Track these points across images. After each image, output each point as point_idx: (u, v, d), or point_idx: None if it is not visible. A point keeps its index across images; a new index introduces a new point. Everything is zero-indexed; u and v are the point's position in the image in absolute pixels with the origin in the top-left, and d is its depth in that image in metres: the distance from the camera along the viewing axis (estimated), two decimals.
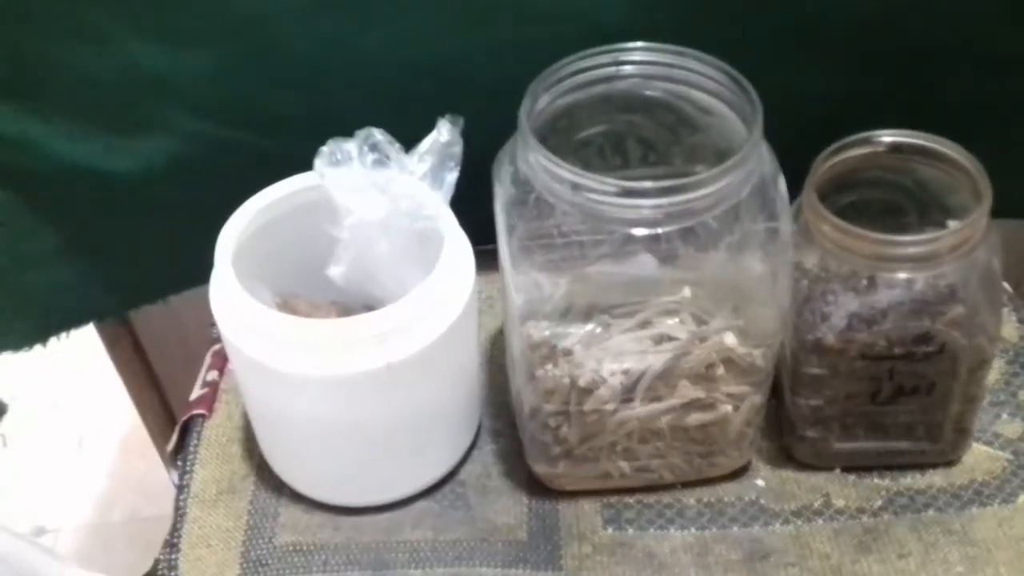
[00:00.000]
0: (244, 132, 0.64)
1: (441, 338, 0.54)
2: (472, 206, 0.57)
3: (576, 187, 0.49)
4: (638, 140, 0.60)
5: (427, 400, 0.57)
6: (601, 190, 0.49)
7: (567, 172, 0.49)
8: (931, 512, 0.59)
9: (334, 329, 0.53)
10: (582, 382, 0.55)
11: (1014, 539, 0.57)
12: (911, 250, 0.53)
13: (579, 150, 0.59)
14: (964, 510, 0.59)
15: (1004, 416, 0.63)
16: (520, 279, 0.53)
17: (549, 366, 0.55)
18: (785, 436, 0.62)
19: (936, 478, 0.60)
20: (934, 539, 0.57)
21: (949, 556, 0.57)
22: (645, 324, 0.57)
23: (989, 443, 0.62)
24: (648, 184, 0.49)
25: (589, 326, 0.56)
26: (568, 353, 0.55)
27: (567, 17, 0.61)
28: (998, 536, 0.57)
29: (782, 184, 0.53)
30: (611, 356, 0.55)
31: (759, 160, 0.51)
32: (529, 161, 0.52)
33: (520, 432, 0.61)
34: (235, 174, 0.59)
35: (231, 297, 0.54)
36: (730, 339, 0.56)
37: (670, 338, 0.56)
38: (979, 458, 0.61)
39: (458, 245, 0.57)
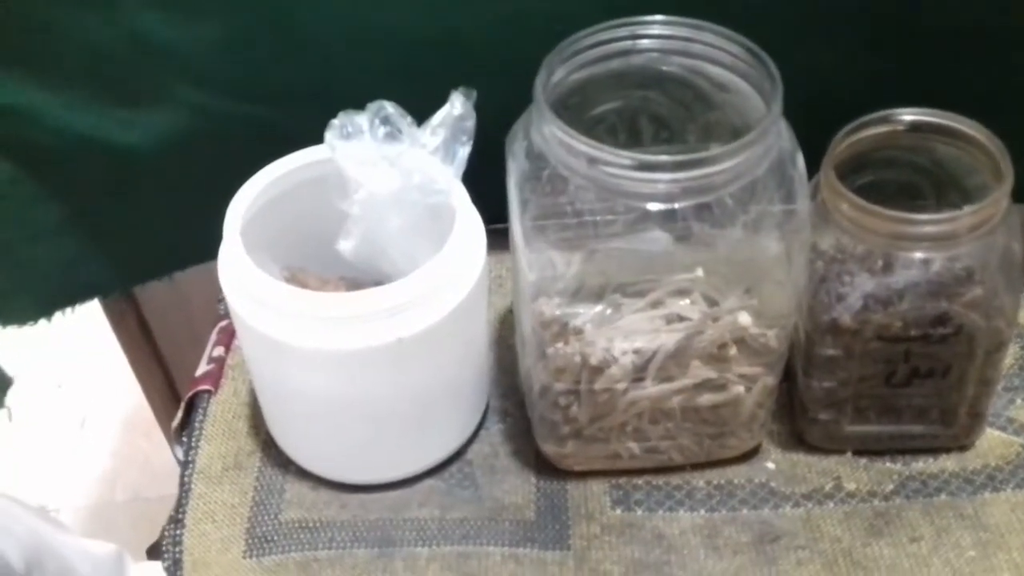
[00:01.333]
0: (252, 105, 0.63)
1: (451, 314, 0.53)
2: (484, 183, 0.56)
3: (592, 160, 0.49)
4: (652, 117, 0.59)
5: (436, 377, 0.56)
6: (617, 163, 0.48)
7: (583, 145, 0.49)
8: (943, 496, 0.58)
9: (344, 303, 0.52)
10: (593, 361, 0.54)
11: None
12: (929, 229, 0.52)
13: (592, 128, 0.58)
14: (977, 495, 0.58)
15: (1019, 401, 0.62)
16: (533, 256, 0.53)
17: (560, 344, 0.54)
18: (797, 418, 0.61)
19: (949, 462, 0.60)
20: (946, 523, 0.57)
21: (961, 540, 0.56)
22: (658, 303, 0.56)
23: (1003, 428, 0.61)
24: (664, 158, 0.48)
25: (601, 305, 0.55)
26: (579, 331, 0.54)
27: None
28: (1011, 521, 0.57)
29: (800, 162, 0.52)
30: (623, 335, 0.55)
31: (778, 136, 0.51)
32: (544, 134, 0.51)
33: (529, 411, 0.61)
34: (243, 148, 0.59)
35: (240, 270, 0.53)
36: (744, 319, 0.55)
37: (682, 318, 0.56)
38: (992, 443, 0.60)
39: (470, 220, 0.56)
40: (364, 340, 0.52)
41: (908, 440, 0.60)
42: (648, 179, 0.48)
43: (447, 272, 0.53)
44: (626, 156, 0.48)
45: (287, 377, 0.55)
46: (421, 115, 0.56)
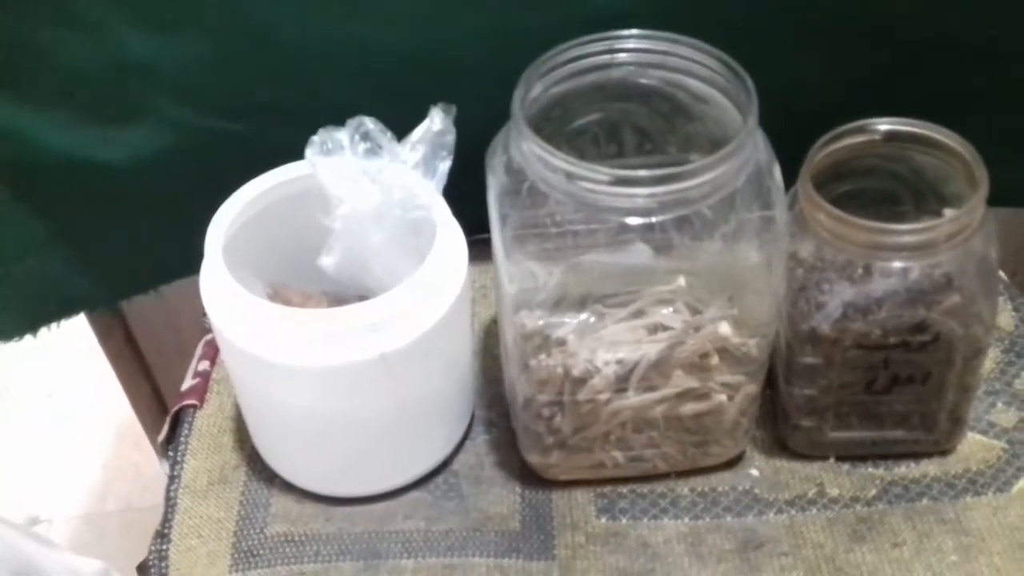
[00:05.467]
0: (234, 122, 0.64)
1: (435, 328, 0.54)
2: (465, 196, 0.56)
3: (570, 176, 0.49)
4: (633, 129, 0.60)
5: (421, 390, 0.56)
6: (594, 179, 0.48)
7: (560, 161, 0.49)
8: (925, 501, 0.59)
9: (326, 319, 0.53)
10: (576, 372, 0.54)
11: (1008, 528, 0.57)
12: (907, 239, 0.52)
13: (574, 139, 0.59)
14: (958, 499, 0.59)
15: (999, 405, 0.63)
16: (513, 268, 0.53)
17: (542, 356, 0.54)
18: (780, 425, 0.62)
19: (931, 467, 0.60)
20: (928, 528, 0.57)
21: (943, 545, 0.57)
22: (639, 313, 0.57)
23: (984, 432, 0.62)
24: (642, 173, 0.49)
25: (583, 315, 0.55)
26: (562, 343, 0.54)
27: (560, 3, 0.60)
28: (992, 525, 0.57)
29: (777, 173, 0.53)
30: (605, 346, 0.55)
31: (754, 148, 0.51)
32: (522, 150, 0.51)
33: (513, 422, 0.61)
34: (226, 163, 0.59)
35: (221, 287, 0.53)
36: (724, 328, 0.55)
37: (664, 327, 0.56)
38: (974, 447, 0.61)
39: (451, 234, 0.56)
40: (347, 356, 0.52)
41: (890, 445, 0.60)
42: (626, 194, 0.49)
43: (428, 286, 0.54)
44: (604, 172, 0.48)
45: (270, 393, 0.55)
46: (403, 130, 0.56)
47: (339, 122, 0.56)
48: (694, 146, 0.58)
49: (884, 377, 0.56)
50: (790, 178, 0.55)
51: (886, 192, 0.58)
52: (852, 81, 0.64)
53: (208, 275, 0.55)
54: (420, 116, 0.56)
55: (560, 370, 0.54)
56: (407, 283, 0.53)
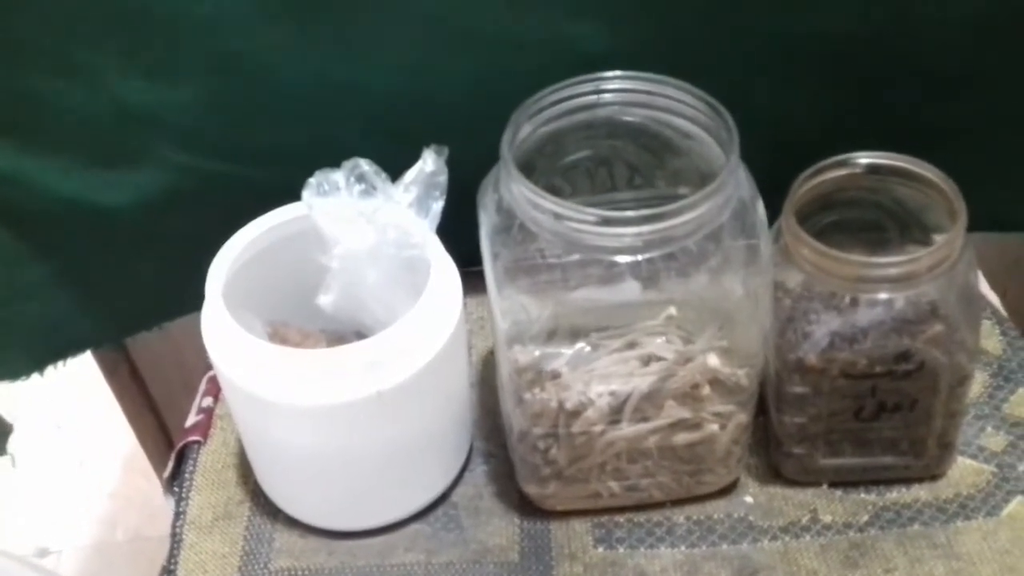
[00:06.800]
0: (233, 164, 0.65)
1: (430, 364, 0.55)
2: (460, 231, 0.58)
3: (557, 217, 0.50)
4: (623, 163, 0.61)
5: (419, 425, 0.58)
6: (581, 219, 0.50)
7: (548, 202, 0.50)
8: (916, 526, 0.60)
9: (324, 359, 0.54)
10: (569, 405, 0.56)
11: (998, 552, 0.58)
12: (891, 271, 0.53)
13: (567, 172, 0.60)
14: (949, 523, 0.60)
15: (988, 429, 0.64)
16: (506, 304, 0.54)
17: (536, 389, 0.56)
18: (772, 453, 0.63)
19: (922, 492, 0.61)
20: (919, 553, 0.58)
21: (934, 570, 0.57)
22: (631, 346, 0.58)
23: (974, 456, 0.63)
24: (628, 213, 0.50)
25: (575, 348, 0.56)
26: (555, 376, 0.56)
27: (548, 46, 0.62)
28: (982, 549, 0.58)
29: (760, 207, 0.54)
30: (598, 378, 0.56)
31: (737, 185, 0.52)
32: (512, 191, 0.52)
33: (511, 453, 0.62)
34: (226, 204, 0.60)
35: (222, 328, 0.54)
36: (713, 360, 0.57)
37: (656, 358, 0.57)
38: (964, 472, 0.62)
39: (445, 272, 0.57)
40: (345, 395, 0.53)
41: (881, 471, 0.61)
42: (613, 233, 0.50)
43: (424, 323, 0.55)
44: (591, 213, 0.50)
45: (271, 431, 0.56)
46: (397, 170, 0.58)
47: (335, 163, 0.57)
48: (682, 180, 0.59)
49: (872, 405, 0.57)
50: (775, 211, 0.56)
51: (871, 221, 0.60)
52: (834, 115, 0.65)
53: (209, 316, 0.56)
54: (414, 157, 0.57)
55: (554, 403, 0.56)
56: (403, 320, 0.54)
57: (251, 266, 0.59)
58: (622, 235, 0.50)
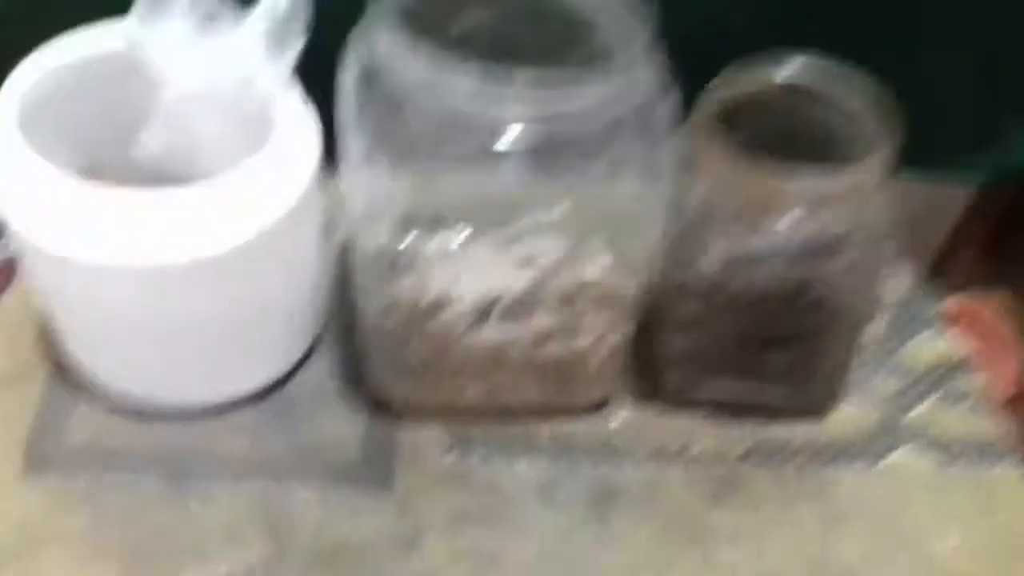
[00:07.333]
0: None
1: (278, 223, 0.47)
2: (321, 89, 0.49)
3: (431, 74, 0.42)
4: (528, 42, 0.53)
5: (254, 298, 0.50)
6: (459, 79, 0.42)
7: (423, 57, 0.42)
8: (791, 467, 0.56)
9: (143, 206, 0.45)
10: (426, 301, 0.49)
11: (871, 502, 0.54)
12: (802, 187, 0.47)
13: (455, 44, 0.52)
14: (825, 467, 0.56)
15: (880, 375, 0.60)
16: (362, 177, 0.47)
17: (390, 279, 0.49)
18: (649, 374, 0.57)
19: (801, 431, 0.57)
20: (791, 496, 0.54)
21: (804, 515, 0.54)
22: (509, 242, 0.51)
23: (860, 403, 0.58)
24: (515, 76, 0.42)
25: (440, 236, 0.49)
26: (411, 266, 0.49)
27: None
28: (855, 498, 0.54)
29: (670, 107, 0.47)
30: (465, 273, 0.50)
31: (645, 72, 0.45)
32: (381, 43, 0.44)
33: (360, 343, 0.56)
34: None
35: (17, 163, 0.45)
36: (599, 266, 0.50)
37: (533, 259, 0.51)
38: (848, 416, 0.58)
39: (300, 117, 0.49)
40: (168, 255, 0.45)
41: (762, 402, 0.56)
42: (495, 97, 0.42)
43: (273, 173, 0.47)
44: (470, 72, 0.42)
45: (70, 289, 0.48)
46: None
47: None
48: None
49: (762, 334, 0.52)
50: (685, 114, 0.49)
51: (785, 142, 0.53)
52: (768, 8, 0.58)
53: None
54: None
55: (409, 297, 0.49)
56: (248, 165, 0.46)
57: (59, 93, 0.49)
58: (505, 101, 0.42)
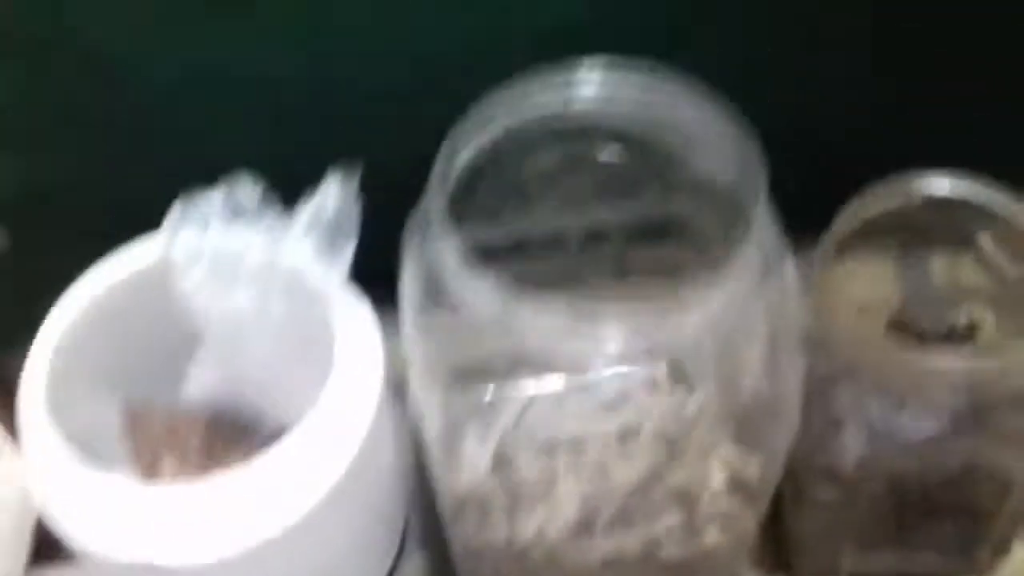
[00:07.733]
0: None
1: (342, 481, 0.40)
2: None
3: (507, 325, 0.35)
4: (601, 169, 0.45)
5: (337, 548, 0.43)
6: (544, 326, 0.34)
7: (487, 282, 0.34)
8: None
9: (203, 498, 0.38)
10: (522, 538, 0.42)
11: None
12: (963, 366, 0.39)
13: (524, 183, 0.45)
14: None
15: None
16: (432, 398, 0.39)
17: (479, 522, 0.41)
18: (783, 547, 0.49)
19: None
20: None
21: None
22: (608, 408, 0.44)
23: None
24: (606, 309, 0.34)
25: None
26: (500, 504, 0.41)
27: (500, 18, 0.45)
28: None
29: (790, 270, 0.39)
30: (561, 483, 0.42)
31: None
32: (437, 251, 0.37)
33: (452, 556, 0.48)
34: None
35: (47, 454, 0.38)
36: (726, 452, 0.43)
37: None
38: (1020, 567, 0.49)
39: (358, 340, 0.42)
40: (227, 545, 0.38)
41: (918, 573, 0.48)
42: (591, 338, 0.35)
43: (330, 427, 0.40)
44: (557, 312, 0.34)
45: None
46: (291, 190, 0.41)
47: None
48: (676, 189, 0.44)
49: (918, 511, 0.44)
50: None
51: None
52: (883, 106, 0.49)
53: (29, 426, 0.39)
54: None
55: (502, 536, 0.41)
56: (296, 434, 0.39)
57: (96, 327, 0.43)
58: (597, 340, 0.35)
